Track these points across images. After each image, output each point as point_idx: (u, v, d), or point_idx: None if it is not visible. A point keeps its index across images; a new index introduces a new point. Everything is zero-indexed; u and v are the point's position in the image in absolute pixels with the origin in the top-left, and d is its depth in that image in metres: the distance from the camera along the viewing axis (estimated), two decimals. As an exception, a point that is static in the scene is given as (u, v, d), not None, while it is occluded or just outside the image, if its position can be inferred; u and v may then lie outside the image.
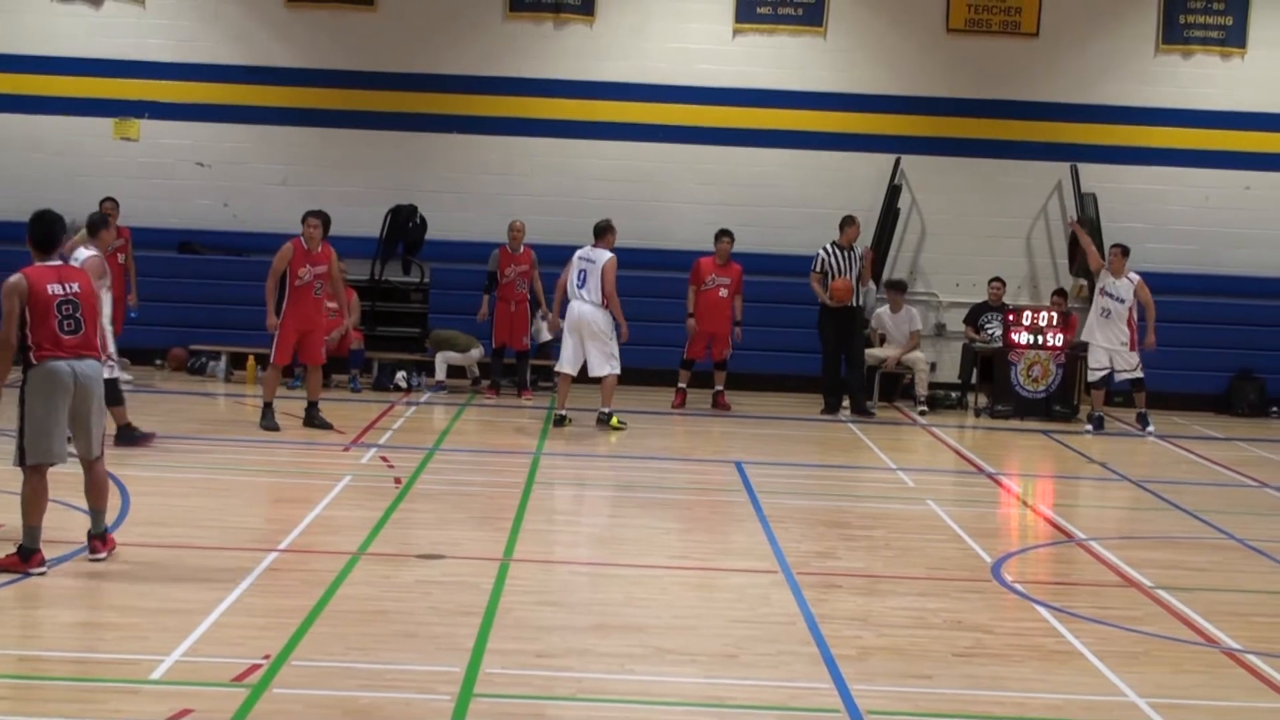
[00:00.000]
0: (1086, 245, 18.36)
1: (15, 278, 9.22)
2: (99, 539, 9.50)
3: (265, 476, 12.95)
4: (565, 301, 16.33)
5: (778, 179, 20.50)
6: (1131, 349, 17.86)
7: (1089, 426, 17.83)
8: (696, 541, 11.15)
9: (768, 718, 7.21)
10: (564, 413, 16.12)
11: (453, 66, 20.38)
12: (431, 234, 20.03)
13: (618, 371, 16.01)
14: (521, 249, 18.26)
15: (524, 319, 18.21)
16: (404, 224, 19.98)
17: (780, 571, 9.98)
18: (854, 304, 18.04)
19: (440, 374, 18.64)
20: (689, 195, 20.32)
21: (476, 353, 18.77)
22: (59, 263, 9.55)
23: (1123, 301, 17.77)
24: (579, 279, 15.89)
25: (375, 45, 20.35)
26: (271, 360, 15.15)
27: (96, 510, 9.53)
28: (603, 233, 16.10)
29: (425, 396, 18.15)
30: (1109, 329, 17.88)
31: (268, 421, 14.86)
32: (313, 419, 15.15)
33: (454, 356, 18.72)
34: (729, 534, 11.35)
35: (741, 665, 7.94)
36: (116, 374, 13.70)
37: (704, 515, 12.24)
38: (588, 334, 15.83)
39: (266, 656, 7.56)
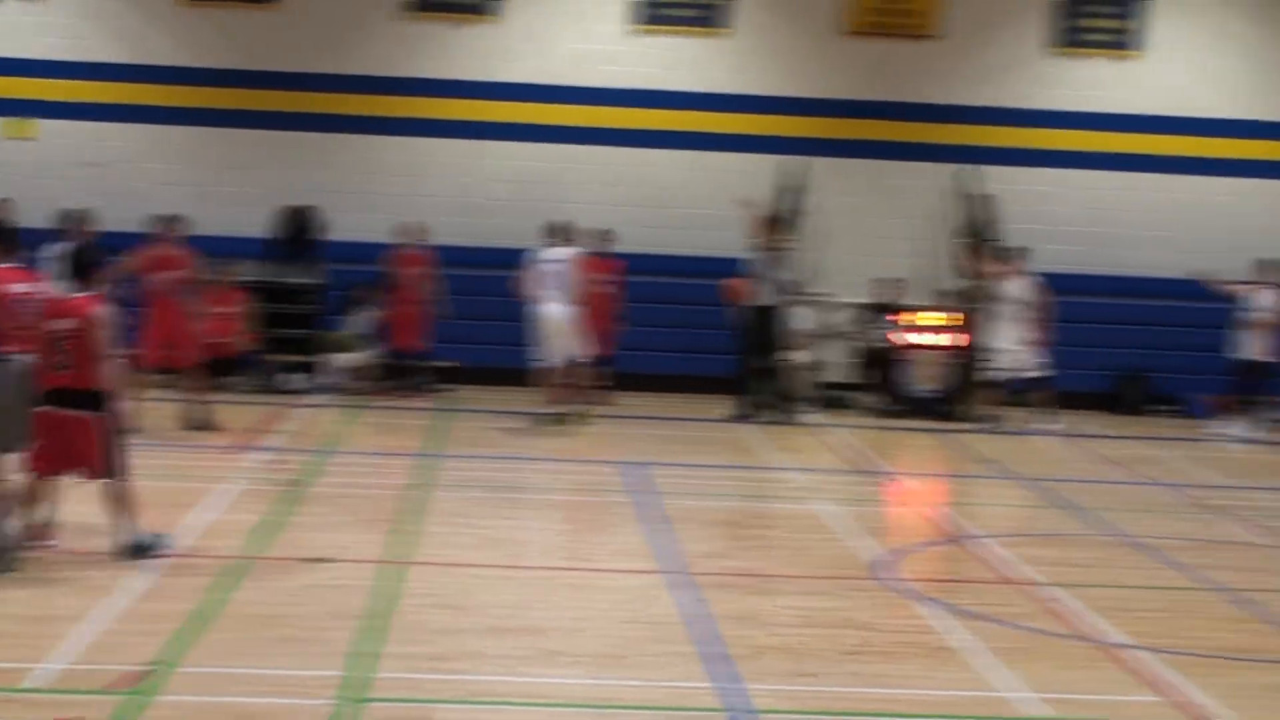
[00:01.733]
0: (974, 258, 18.75)
1: None
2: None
3: (153, 480, 12.73)
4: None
5: (678, 180, 20.55)
6: (1030, 347, 18.09)
7: (981, 425, 18.02)
8: (589, 543, 11.18)
9: (654, 718, 7.24)
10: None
11: (355, 66, 20.25)
12: (332, 235, 19.84)
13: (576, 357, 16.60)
14: (421, 250, 18.17)
15: (421, 321, 18.10)
16: (302, 225, 19.80)
17: (671, 572, 10.02)
18: (759, 303, 17.65)
19: (334, 375, 18.51)
20: (591, 196, 20.26)
21: (371, 354, 18.66)
22: None
23: (1015, 302, 18.00)
24: (546, 281, 16.24)
25: (275, 44, 20.17)
26: (131, 365, 15.04)
27: None
28: (559, 232, 16.65)
29: (318, 399, 18.01)
30: (1007, 329, 18.09)
31: None
32: (200, 421, 14.99)
33: (348, 358, 18.60)
34: (621, 535, 11.35)
35: (628, 666, 7.97)
36: None
37: (596, 517, 12.26)
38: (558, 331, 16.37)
39: (151, 663, 7.47)
